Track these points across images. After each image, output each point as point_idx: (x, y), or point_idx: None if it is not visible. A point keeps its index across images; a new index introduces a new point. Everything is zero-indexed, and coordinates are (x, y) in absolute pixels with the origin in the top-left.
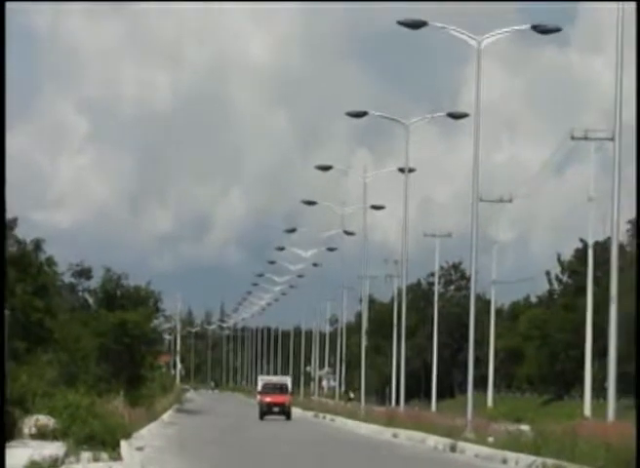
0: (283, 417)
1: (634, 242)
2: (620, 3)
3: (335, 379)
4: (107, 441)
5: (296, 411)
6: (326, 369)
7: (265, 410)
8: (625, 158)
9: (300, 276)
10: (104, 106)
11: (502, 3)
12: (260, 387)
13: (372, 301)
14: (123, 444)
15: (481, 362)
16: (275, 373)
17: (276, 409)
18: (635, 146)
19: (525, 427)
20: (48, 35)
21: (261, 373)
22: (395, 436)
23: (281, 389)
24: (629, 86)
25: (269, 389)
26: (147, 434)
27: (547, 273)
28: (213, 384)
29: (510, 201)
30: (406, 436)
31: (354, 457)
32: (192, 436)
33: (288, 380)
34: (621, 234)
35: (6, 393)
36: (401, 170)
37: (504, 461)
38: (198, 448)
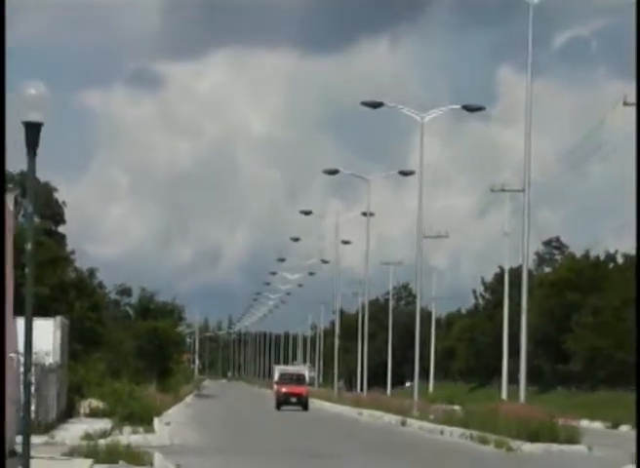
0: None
1: (540, 268)
2: (530, 80)
3: (314, 371)
4: (143, 418)
5: None
6: (307, 363)
7: (282, 401)
8: (533, 204)
9: (288, 294)
10: (141, 167)
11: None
12: (276, 377)
13: (342, 313)
14: (155, 420)
15: (424, 358)
16: (270, 368)
17: (293, 400)
18: (635, 146)
19: (457, 407)
20: (100, 112)
21: (283, 363)
22: (360, 414)
23: (298, 379)
24: (536, 151)
25: (286, 379)
26: (173, 413)
27: (474, 291)
28: (230, 375)
29: (447, 237)
30: (368, 414)
31: (330, 428)
32: (206, 414)
33: (305, 370)
34: (530, 262)
35: (5, 392)
36: (364, 214)
37: (442, 433)
38: (210, 422)
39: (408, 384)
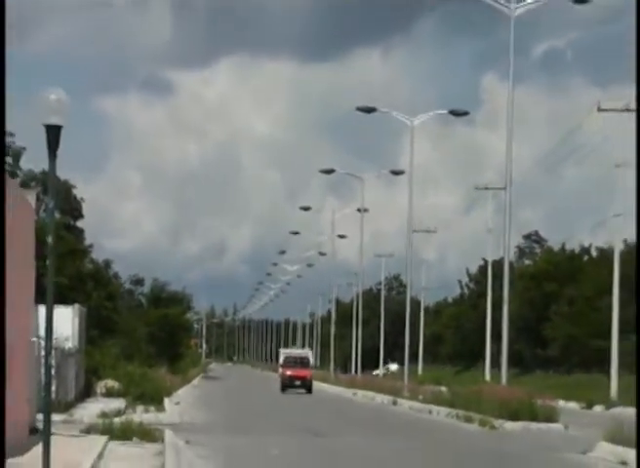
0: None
1: (520, 261)
2: (511, 88)
3: (312, 356)
4: (154, 398)
5: None
6: (306, 348)
7: (287, 384)
8: (514, 202)
9: (288, 284)
10: (152, 167)
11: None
12: (281, 360)
13: (338, 302)
14: (165, 400)
15: (414, 343)
16: (272, 352)
17: (297, 383)
18: (635, 148)
19: (444, 389)
20: (115, 116)
21: (284, 347)
22: (355, 394)
23: (302, 363)
24: (516, 153)
25: (291, 362)
26: (182, 393)
27: (459, 282)
28: (235, 358)
29: (435, 231)
30: (362, 394)
31: (328, 407)
32: (213, 395)
33: (309, 354)
34: (511, 255)
35: (5, 392)
36: (358, 210)
37: (430, 412)
38: (216, 402)
39: (376, 372)
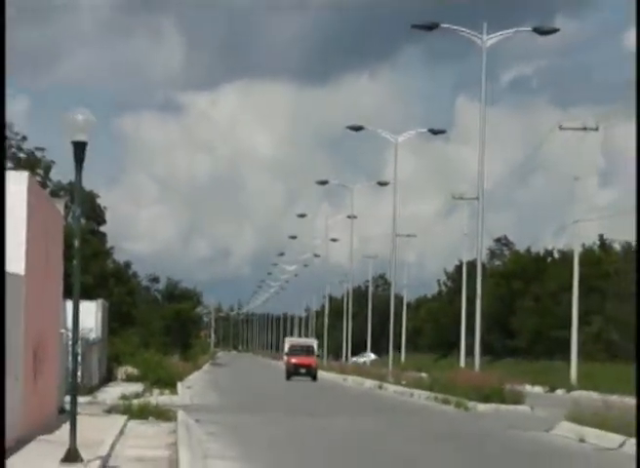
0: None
1: (491, 261)
2: (483, 108)
3: (317, 345)
4: (169, 382)
5: (281, 365)
6: (311, 338)
7: (292, 372)
8: (486, 209)
9: (286, 282)
10: (167, 179)
11: (411, 111)
12: (286, 348)
13: (330, 297)
14: (178, 384)
15: (397, 334)
16: (271, 342)
17: (302, 371)
18: (635, 149)
19: (424, 374)
20: (133, 133)
21: (290, 336)
22: (345, 380)
23: (307, 351)
24: (488, 166)
25: (296, 351)
26: (193, 378)
27: (438, 280)
28: (240, 348)
29: (415, 236)
30: (352, 380)
31: (321, 391)
32: (219, 379)
33: (314, 343)
34: (483, 256)
35: (5, 391)
36: (349, 216)
37: (411, 395)
38: (222, 386)
39: (354, 359)
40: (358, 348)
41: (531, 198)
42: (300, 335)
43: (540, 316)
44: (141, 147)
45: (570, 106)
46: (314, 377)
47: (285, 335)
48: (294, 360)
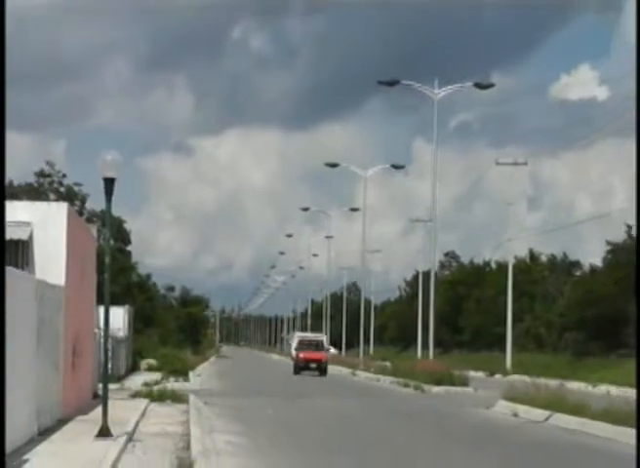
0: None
1: (442, 271)
2: (435, 148)
3: (326, 340)
4: (182, 372)
5: (274, 357)
6: (290, 334)
7: (302, 366)
8: (437, 229)
9: (277, 289)
10: (181, 207)
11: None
12: (295, 343)
13: (312, 302)
14: (190, 373)
15: (367, 331)
16: (265, 338)
17: (312, 366)
18: (635, 150)
19: (388, 363)
20: (153, 171)
21: (298, 330)
22: None
23: (317, 346)
24: (439, 195)
25: (305, 345)
26: (202, 368)
27: (399, 287)
28: (242, 343)
29: (380, 251)
30: (331, 368)
31: (306, 377)
32: (224, 369)
33: (324, 338)
34: (436, 267)
35: (5, 391)
36: (327, 236)
37: (378, 380)
38: (227, 374)
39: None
40: (335, 343)
41: (473, 220)
42: (288, 333)
43: (481, 315)
44: (160, 182)
45: (504, 146)
46: (324, 372)
47: (277, 333)
48: (303, 354)
